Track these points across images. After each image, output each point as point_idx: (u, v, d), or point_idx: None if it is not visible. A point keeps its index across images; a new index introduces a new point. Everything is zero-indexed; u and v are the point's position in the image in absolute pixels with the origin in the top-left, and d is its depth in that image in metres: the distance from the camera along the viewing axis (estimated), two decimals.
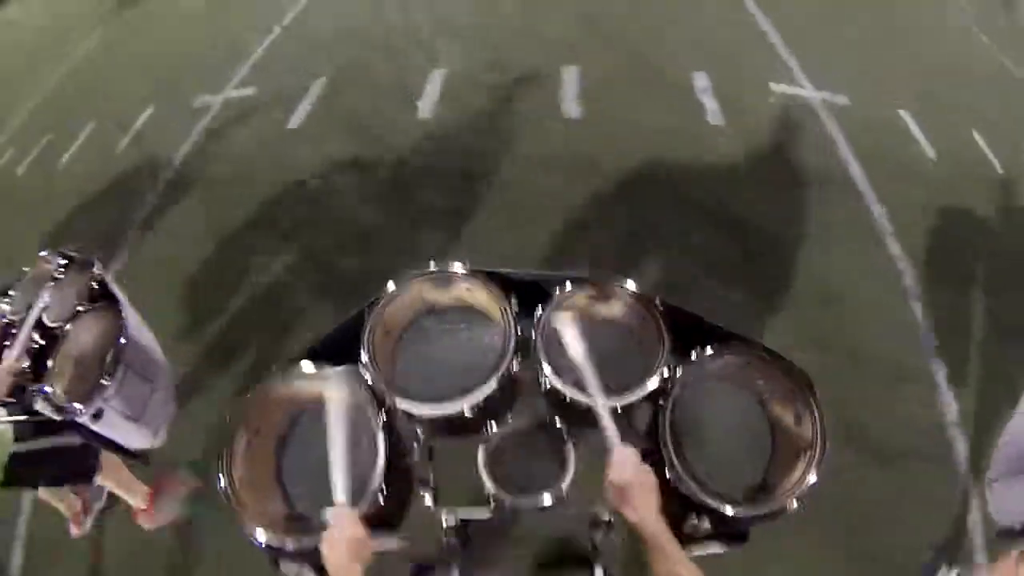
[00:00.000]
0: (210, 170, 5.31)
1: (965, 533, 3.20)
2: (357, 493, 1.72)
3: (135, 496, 3.24)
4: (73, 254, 2.31)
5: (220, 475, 1.70)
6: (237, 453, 1.76)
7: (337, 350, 1.92)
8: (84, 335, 2.20)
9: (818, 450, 1.75)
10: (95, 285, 2.25)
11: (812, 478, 1.71)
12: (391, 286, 1.98)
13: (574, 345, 1.74)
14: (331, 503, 1.69)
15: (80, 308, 2.21)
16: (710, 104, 5.28)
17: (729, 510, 1.68)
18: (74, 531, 3.38)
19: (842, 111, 5.20)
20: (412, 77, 5.83)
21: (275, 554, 1.69)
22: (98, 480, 2.92)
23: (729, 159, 4.90)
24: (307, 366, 1.87)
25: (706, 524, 1.75)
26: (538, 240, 4.41)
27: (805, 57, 5.69)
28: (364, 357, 1.87)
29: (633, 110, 5.26)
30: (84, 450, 2.47)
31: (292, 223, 4.81)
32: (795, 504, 1.69)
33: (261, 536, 1.65)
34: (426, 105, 5.55)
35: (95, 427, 2.20)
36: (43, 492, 3.17)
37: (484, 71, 5.77)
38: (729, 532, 1.81)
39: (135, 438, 2.37)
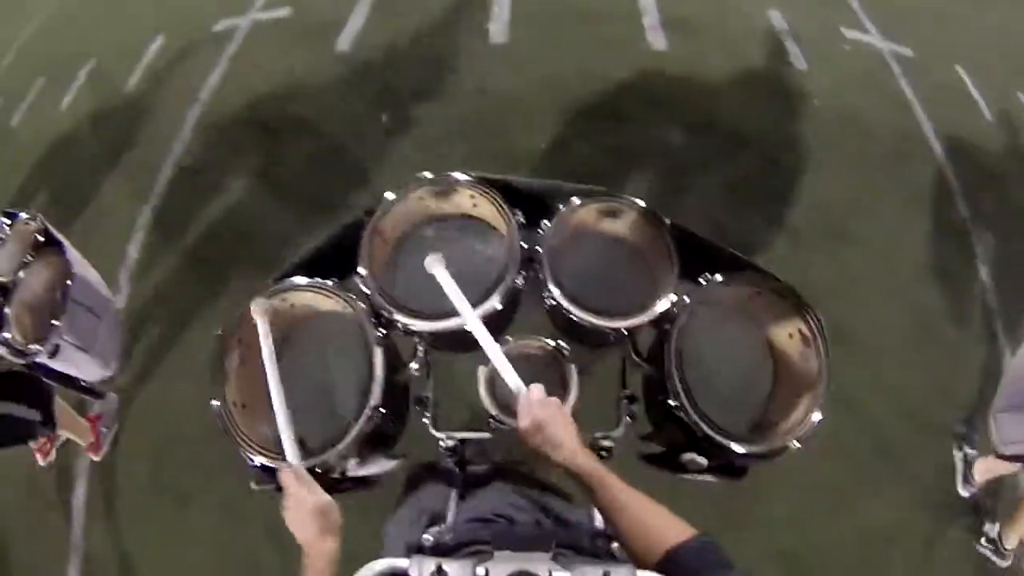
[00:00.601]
0: (245, 105, 4.55)
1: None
2: (355, 411, 1.69)
3: (83, 434, 3.29)
4: (14, 212, 2.43)
5: (214, 396, 1.64)
6: (230, 371, 1.69)
7: (331, 261, 1.82)
8: (35, 282, 2.37)
9: (822, 389, 1.74)
10: (39, 237, 2.39)
11: (816, 417, 1.71)
12: (389, 195, 1.85)
13: (452, 292, 1.63)
14: (324, 428, 1.65)
15: (28, 258, 2.36)
16: (791, 47, 4.90)
17: (734, 446, 1.67)
18: (94, 456, 3.38)
19: (908, 63, 4.91)
20: None
21: (269, 477, 1.66)
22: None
23: (813, 106, 4.62)
24: (300, 279, 1.77)
25: (703, 460, 1.75)
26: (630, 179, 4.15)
27: (871, 3, 5.29)
28: (362, 269, 1.78)
29: (717, 44, 4.84)
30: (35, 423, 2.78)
31: (358, 169, 4.23)
32: (797, 444, 1.70)
33: (259, 461, 1.61)
34: (498, 28, 4.84)
35: (54, 364, 2.35)
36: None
37: None
38: (727, 466, 1.82)
39: (89, 369, 2.54)
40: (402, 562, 1.08)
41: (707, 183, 4.16)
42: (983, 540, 3.23)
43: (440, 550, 1.43)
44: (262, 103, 4.55)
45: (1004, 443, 2.59)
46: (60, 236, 2.45)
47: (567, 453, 1.37)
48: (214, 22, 5.10)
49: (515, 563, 1.08)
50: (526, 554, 1.12)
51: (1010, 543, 3.16)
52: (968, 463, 3.26)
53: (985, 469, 3.18)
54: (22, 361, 2.28)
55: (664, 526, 1.24)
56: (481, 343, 1.56)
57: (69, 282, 2.36)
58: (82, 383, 2.61)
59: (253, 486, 1.77)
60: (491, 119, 4.38)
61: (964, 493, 3.28)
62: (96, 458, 3.38)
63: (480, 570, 1.06)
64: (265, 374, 1.66)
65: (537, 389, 1.44)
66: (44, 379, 2.47)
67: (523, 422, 1.41)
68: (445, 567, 1.06)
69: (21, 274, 2.31)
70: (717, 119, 4.44)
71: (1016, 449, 2.56)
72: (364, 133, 4.39)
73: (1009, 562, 3.18)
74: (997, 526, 3.21)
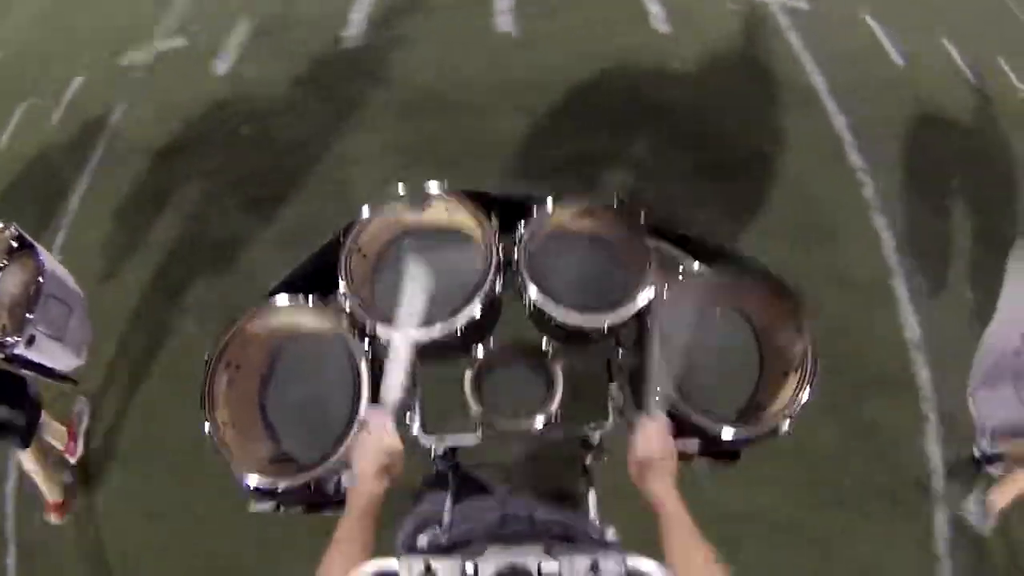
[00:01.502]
0: (146, 129, 4.94)
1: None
2: (345, 424, 1.70)
3: (54, 488, 3.36)
4: None
5: (205, 418, 1.67)
6: (218, 393, 1.72)
7: (312, 280, 1.86)
8: (11, 283, 2.57)
9: (808, 367, 1.74)
10: (12, 243, 2.59)
11: (805, 396, 1.71)
12: (365, 211, 1.89)
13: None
14: (316, 443, 1.67)
15: (4, 263, 2.57)
16: (654, 8, 5.04)
17: (724, 432, 1.67)
18: (55, 519, 3.42)
19: (801, 15, 4.98)
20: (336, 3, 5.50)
21: (265, 497, 1.68)
22: (24, 461, 3.24)
23: (679, 69, 4.72)
24: (282, 299, 1.81)
25: (694, 446, 1.75)
26: (495, 166, 4.30)
27: None
28: (343, 285, 1.81)
29: (571, 21, 5.03)
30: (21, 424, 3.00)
31: (236, 175, 4.57)
32: (787, 425, 1.70)
33: (253, 481, 1.63)
34: (353, 32, 5.26)
35: (30, 355, 2.53)
36: (28, 462, 3.24)
37: None
38: (720, 451, 1.81)
39: (63, 358, 2.72)
40: (391, 563, 1.09)
41: (570, 162, 4.27)
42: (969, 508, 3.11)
43: (435, 551, 1.44)
44: (156, 126, 4.91)
45: (984, 421, 2.56)
46: (31, 239, 2.66)
47: (661, 492, 1.41)
48: (121, 57, 5.55)
49: (505, 557, 1.09)
50: (517, 548, 1.13)
51: (994, 508, 3.04)
52: (981, 502, 3.08)
53: (1005, 493, 3.02)
54: (1, 355, 2.48)
55: None
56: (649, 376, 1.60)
57: (41, 278, 2.56)
58: (57, 372, 2.78)
59: (252, 508, 1.80)
60: (345, 120, 4.71)
61: (990, 526, 3.10)
62: (59, 522, 3.42)
63: (469, 567, 1.07)
64: (253, 392, 1.72)
65: (665, 423, 1.53)
66: (23, 369, 2.64)
67: (640, 449, 1.48)
68: (434, 565, 1.07)
69: None
70: (574, 100, 4.59)
71: (998, 422, 2.52)
72: (245, 149, 4.72)
73: (993, 524, 3.06)
74: (974, 496, 3.09)
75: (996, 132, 4.44)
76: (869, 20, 4.94)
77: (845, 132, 4.33)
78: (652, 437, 1.48)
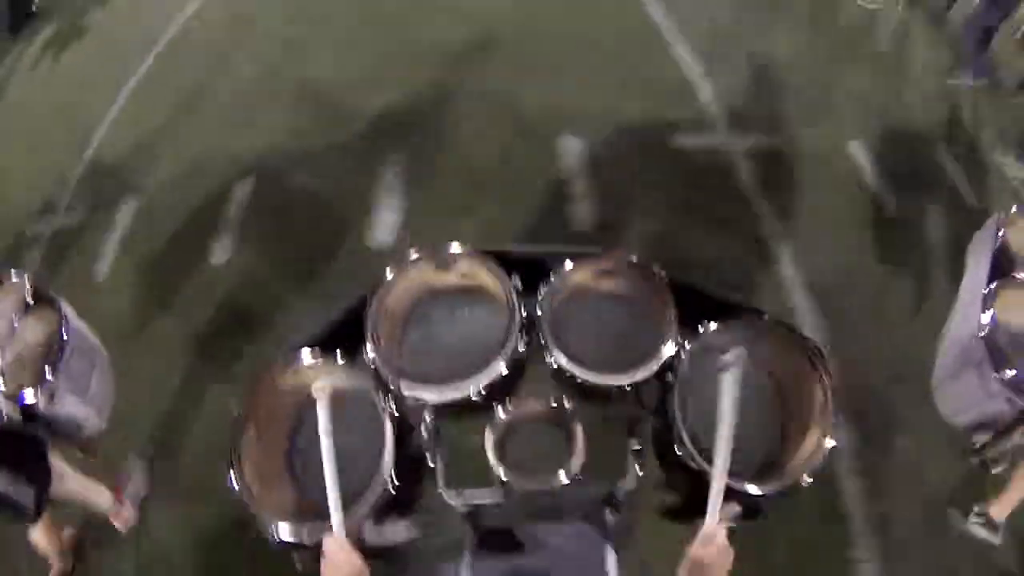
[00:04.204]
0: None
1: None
2: (367, 482, 1.72)
3: (101, 497, 3.15)
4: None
5: (231, 472, 1.70)
6: (246, 446, 1.75)
7: (339, 337, 1.91)
8: (30, 336, 2.48)
9: (829, 417, 1.75)
10: (28, 298, 2.51)
11: (828, 445, 1.71)
12: (389, 272, 1.96)
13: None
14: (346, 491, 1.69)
15: (22, 314, 2.48)
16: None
17: (749, 488, 1.67)
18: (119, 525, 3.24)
19: None
20: None
21: (292, 548, 1.69)
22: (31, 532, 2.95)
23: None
24: (308, 355, 1.85)
25: (736, 508, 1.73)
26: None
27: None
28: (369, 346, 1.86)
29: None
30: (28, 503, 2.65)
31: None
32: (809, 479, 1.69)
33: (284, 533, 1.64)
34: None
35: (51, 412, 2.42)
36: (36, 534, 3.01)
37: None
38: (744, 508, 1.80)
39: (84, 417, 2.59)
40: None
41: None
42: (973, 515, 3.05)
43: None
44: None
45: (954, 414, 2.52)
46: (51, 292, 2.59)
47: None
48: None
49: None
50: None
51: (1001, 515, 2.99)
52: (985, 517, 3.05)
53: (1001, 507, 3.00)
54: (19, 411, 2.36)
55: None
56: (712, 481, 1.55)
57: (64, 331, 2.47)
58: (77, 435, 2.65)
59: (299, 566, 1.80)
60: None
61: (998, 540, 3.04)
62: (123, 527, 3.23)
63: None
64: (280, 444, 1.74)
65: (723, 529, 1.48)
66: (43, 429, 2.50)
67: (696, 550, 1.45)
68: None
69: (16, 326, 2.44)
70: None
71: (968, 417, 2.47)
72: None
73: (1000, 539, 3.00)
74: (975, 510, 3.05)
75: None
76: None
77: None
78: (713, 538, 1.45)
